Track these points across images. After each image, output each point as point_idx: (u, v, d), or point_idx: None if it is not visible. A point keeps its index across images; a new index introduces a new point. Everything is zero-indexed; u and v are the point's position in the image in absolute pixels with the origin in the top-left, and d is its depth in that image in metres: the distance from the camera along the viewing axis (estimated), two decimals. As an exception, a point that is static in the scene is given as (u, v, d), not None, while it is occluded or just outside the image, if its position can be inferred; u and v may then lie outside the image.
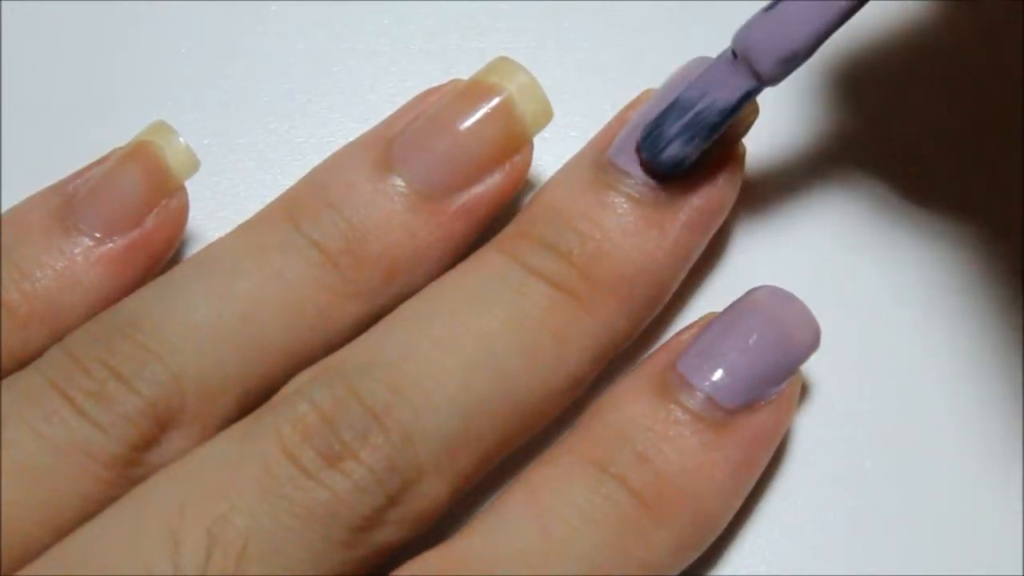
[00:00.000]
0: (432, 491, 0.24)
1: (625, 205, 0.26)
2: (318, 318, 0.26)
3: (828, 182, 0.29)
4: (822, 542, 0.27)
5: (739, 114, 0.26)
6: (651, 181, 0.26)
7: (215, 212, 0.29)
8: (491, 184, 0.27)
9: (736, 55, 0.25)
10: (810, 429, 0.28)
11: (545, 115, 0.27)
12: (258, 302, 0.26)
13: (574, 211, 0.26)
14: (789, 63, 0.25)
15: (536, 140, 0.28)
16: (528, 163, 0.27)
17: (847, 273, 0.29)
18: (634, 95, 0.29)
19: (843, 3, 0.24)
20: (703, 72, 0.26)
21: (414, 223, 0.26)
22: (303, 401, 0.24)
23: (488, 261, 0.26)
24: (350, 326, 0.26)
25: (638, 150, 0.26)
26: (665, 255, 0.26)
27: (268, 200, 0.30)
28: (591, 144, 0.27)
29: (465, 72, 0.31)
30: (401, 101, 0.30)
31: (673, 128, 0.26)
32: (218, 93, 0.31)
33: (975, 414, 0.28)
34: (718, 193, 0.27)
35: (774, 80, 0.25)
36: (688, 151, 0.26)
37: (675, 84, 0.27)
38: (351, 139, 0.30)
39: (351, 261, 0.26)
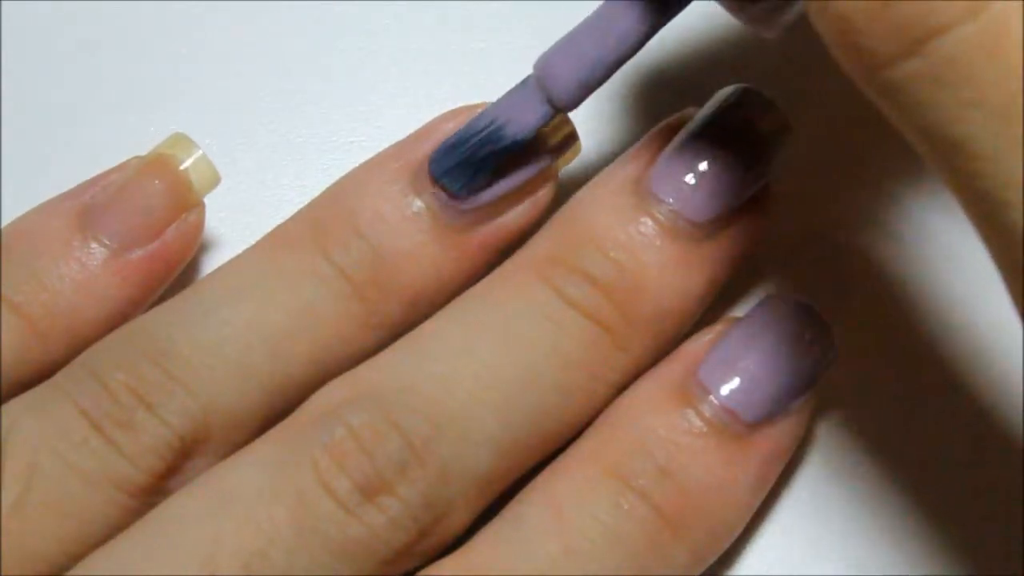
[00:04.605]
0: (458, 523, 0.25)
1: (665, 239, 0.26)
2: (341, 348, 0.26)
3: (833, 181, 0.30)
4: (823, 543, 0.27)
5: (532, 139, 0.26)
6: (693, 216, 0.26)
7: (215, 212, 0.29)
8: (515, 216, 0.27)
9: (535, 80, 0.26)
10: (812, 429, 0.28)
11: (574, 152, 0.27)
12: (288, 337, 0.25)
13: (614, 240, 0.26)
14: (582, 91, 0.25)
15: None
16: (551, 197, 0.27)
17: (851, 274, 0.29)
18: (633, 94, 0.29)
19: (635, 34, 0.25)
20: (503, 97, 0.26)
21: (440, 257, 0.26)
22: (339, 425, 0.24)
23: (527, 289, 0.26)
24: (368, 353, 0.26)
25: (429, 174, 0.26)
26: (698, 292, 0.26)
27: (268, 200, 0.30)
28: (629, 164, 0.27)
29: (465, 72, 0.31)
30: (401, 101, 0.31)
31: (460, 152, 0.26)
32: (218, 93, 0.30)
33: (980, 419, 0.28)
34: (755, 226, 0.27)
35: (568, 107, 0.26)
36: (471, 176, 0.26)
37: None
38: (351, 139, 0.30)
39: (377, 293, 0.26)
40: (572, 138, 0.27)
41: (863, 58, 0.19)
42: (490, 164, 0.26)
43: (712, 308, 0.28)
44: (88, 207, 0.27)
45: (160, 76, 0.31)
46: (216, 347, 0.25)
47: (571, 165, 0.27)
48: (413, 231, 0.26)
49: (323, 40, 0.31)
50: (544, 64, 0.25)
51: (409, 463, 0.24)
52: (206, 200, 0.28)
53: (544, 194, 0.27)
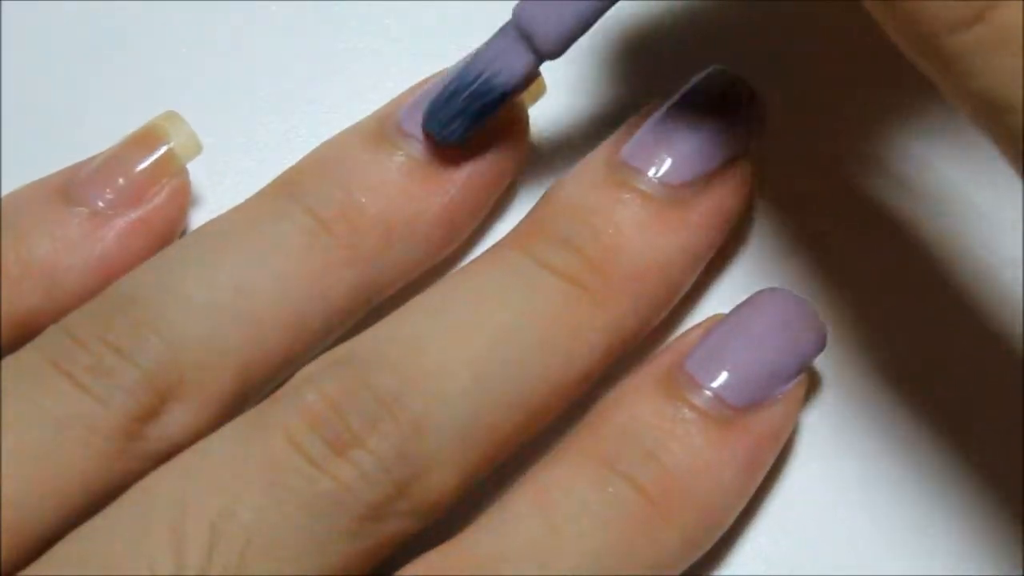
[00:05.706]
0: (441, 483, 0.24)
1: (639, 201, 0.26)
2: (313, 286, 0.26)
3: (833, 182, 0.29)
4: (822, 542, 0.27)
5: (522, 90, 0.26)
6: (665, 179, 0.26)
7: (216, 212, 0.29)
8: (489, 158, 0.27)
9: (516, 29, 0.26)
10: (811, 427, 0.28)
11: (538, 88, 0.28)
12: (253, 271, 0.26)
13: (587, 207, 0.26)
14: (568, 39, 0.25)
15: (537, 139, 0.28)
16: (525, 138, 0.28)
17: (852, 273, 0.29)
18: (631, 92, 0.29)
19: None
20: (482, 48, 0.26)
21: (411, 188, 0.27)
22: (311, 390, 0.24)
23: (501, 256, 0.26)
24: (346, 295, 0.26)
25: (426, 130, 0.27)
26: (677, 253, 0.26)
27: (268, 200, 0.30)
28: (604, 146, 0.27)
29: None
30: (402, 102, 0.31)
31: (455, 105, 0.26)
32: (218, 93, 0.31)
33: (979, 414, 0.28)
34: (731, 196, 0.27)
35: (554, 55, 0.26)
36: (469, 128, 0.26)
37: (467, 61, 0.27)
38: (351, 139, 0.31)
39: (346, 225, 0.26)
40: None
41: (924, 25, 0.20)
42: (484, 115, 0.26)
43: (708, 309, 0.28)
44: (72, 178, 0.27)
45: (160, 76, 0.31)
46: (182, 288, 0.25)
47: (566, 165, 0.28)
48: (381, 167, 0.27)
49: (323, 40, 0.31)
50: (525, 13, 0.26)
51: (380, 417, 0.24)
52: (205, 203, 0.28)
53: (517, 133, 0.28)
